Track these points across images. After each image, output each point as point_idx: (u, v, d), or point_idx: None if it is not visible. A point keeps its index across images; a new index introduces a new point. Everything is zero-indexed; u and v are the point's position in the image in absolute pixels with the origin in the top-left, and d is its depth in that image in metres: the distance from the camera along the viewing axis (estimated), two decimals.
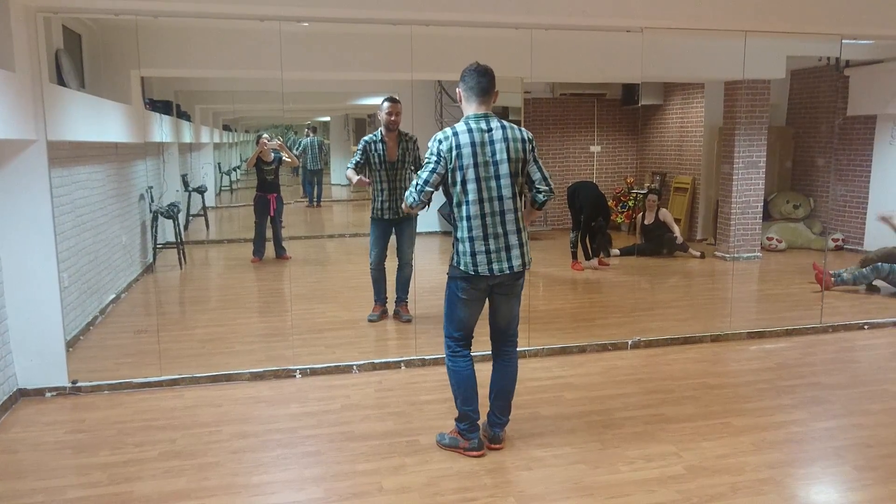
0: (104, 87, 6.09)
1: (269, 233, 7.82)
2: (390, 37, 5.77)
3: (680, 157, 10.12)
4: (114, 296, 6.09)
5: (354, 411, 3.96)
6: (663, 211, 8.67)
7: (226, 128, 11.01)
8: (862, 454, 3.40)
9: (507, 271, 3.19)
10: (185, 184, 8.65)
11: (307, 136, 10.55)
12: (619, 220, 10.25)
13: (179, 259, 7.58)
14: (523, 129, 3.25)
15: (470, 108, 3.22)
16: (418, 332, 5.14)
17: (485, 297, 3.32)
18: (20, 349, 4.13)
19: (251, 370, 4.51)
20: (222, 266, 8.49)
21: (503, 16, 4.47)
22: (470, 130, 3.13)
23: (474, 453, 3.36)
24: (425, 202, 3.21)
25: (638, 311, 5.99)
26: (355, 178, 5.34)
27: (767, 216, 9.07)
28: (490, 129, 3.15)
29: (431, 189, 3.16)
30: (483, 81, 3.19)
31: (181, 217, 7.84)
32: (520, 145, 3.17)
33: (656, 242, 8.57)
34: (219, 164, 10.46)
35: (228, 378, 4.44)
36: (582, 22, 4.70)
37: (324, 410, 3.97)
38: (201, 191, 9.07)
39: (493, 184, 3.14)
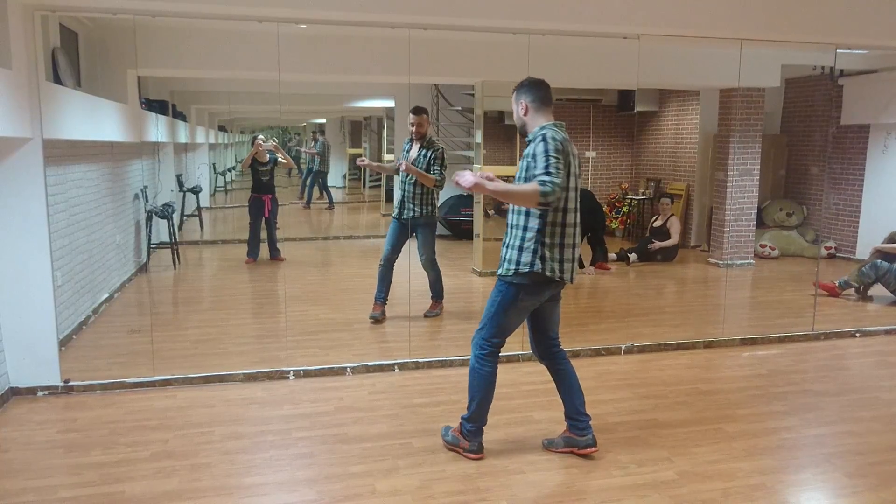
0: (100, 85, 6.08)
1: (263, 234, 7.82)
2: (388, 40, 5.79)
3: (674, 163, 10.16)
4: (107, 295, 6.07)
5: (348, 413, 3.95)
6: (673, 218, 8.69)
7: (221, 128, 11.00)
8: (852, 461, 3.42)
9: (571, 281, 3.28)
10: (180, 184, 8.63)
11: (315, 139, 10.61)
12: (614, 226, 10.28)
13: (173, 259, 7.56)
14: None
15: (543, 118, 3.22)
16: (412, 335, 5.14)
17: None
18: (12, 347, 4.12)
19: (244, 371, 4.50)
20: (216, 267, 8.47)
21: (501, 21, 4.48)
22: (567, 140, 3.16)
23: (473, 455, 3.38)
24: (554, 201, 3.05)
25: (631, 316, 6.01)
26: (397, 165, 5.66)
27: (761, 223, 9.11)
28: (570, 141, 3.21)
29: (561, 186, 3.02)
30: (550, 92, 3.25)
31: (175, 217, 7.83)
32: (574, 160, 3.23)
33: (659, 249, 8.60)
34: (214, 164, 10.45)
35: (221, 379, 4.44)
36: (579, 28, 4.72)
37: (317, 412, 3.96)
38: (196, 191, 9.05)
39: (573, 194, 3.19)
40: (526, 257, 3.16)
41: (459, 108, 9.93)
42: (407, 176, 5.57)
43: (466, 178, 3.09)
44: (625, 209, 10.25)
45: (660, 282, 8.01)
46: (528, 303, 3.27)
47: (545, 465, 3.34)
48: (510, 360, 4.87)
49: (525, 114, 3.26)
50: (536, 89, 3.24)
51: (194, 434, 3.66)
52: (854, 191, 8.90)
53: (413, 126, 5.58)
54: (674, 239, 8.56)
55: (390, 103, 10.66)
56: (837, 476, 3.29)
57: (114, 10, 4.25)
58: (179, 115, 8.60)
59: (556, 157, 3.03)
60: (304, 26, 5.17)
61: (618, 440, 3.61)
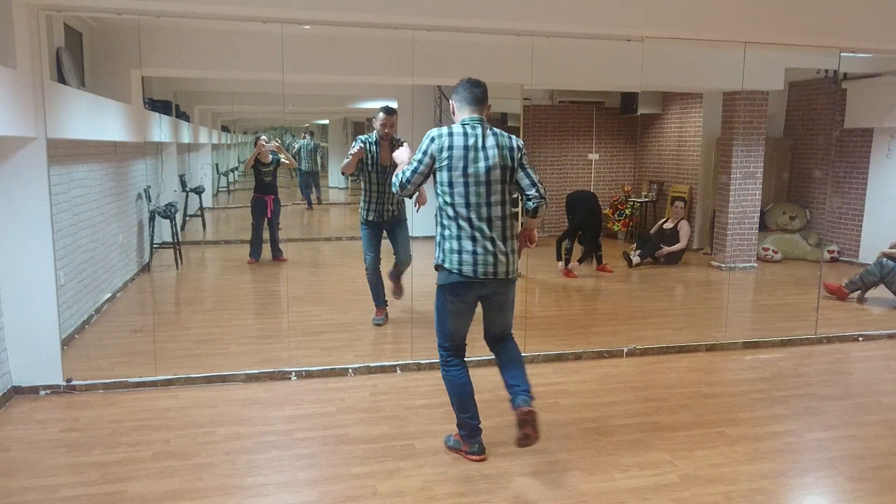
0: (104, 85, 6.09)
1: (266, 234, 7.82)
2: (391, 41, 5.80)
3: (677, 166, 10.16)
4: (109, 295, 6.08)
5: (349, 414, 3.95)
6: (683, 221, 8.68)
7: (224, 129, 11.01)
8: (855, 465, 3.41)
9: (492, 276, 3.18)
10: (183, 184, 8.64)
11: (303, 137, 10.57)
12: (616, 228, 10.28)
13: (176, 259, 7.57)
14: (514, 136, 3.27)
15: (464, 115, 3.24)
16: (414, 337, 5.14)
17: (473, 308, 3.32)
18: (15, 346, 4.12)
19: (246, 371, 4.50)
20: (218, 267, 8.47)
21: (505, 23, 4.48)
22: (465, 134, 3.16)
23: (475, 457, 3.38)
24: (408, 196, 3.30)
25: (634, 319, 6.00)
26: (351, 157, 5.44)
27: (764, 227, 9.10)
28: (484, 135, 3.17)
29: (412, 187, 3.22)
30: (477, 91, 3.23)
31: (178, 217, 7.83)
32: (508, 153, 3.19)
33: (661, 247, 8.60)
34: (216, 164, 10.45)
35: (223, 379, 4.44)
36: (583, 30, 4.72)
37: (319, 413, 3.96)
38: (199, 191, 9.06)
39: (482, 189, 3.14)
40: (437, 251, 3.26)
41: None
42: (381, 177, 5.46)
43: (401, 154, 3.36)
44: (627, 211, 10.24)
45: (662, 285, 8.00)
46: (454, 305, 3.26)
47: (547, 467, 3.34)
48: None
49: (453, 113, 3.31)
50: (462, 88, 3.25)
51: (196, 434, 3.66)
52: (857, 194, 8.89)
53: (385, 128, 5.42)
54: (682, 243, 8.56)
55: (393, 104, 10.67)
56: (840, 480, 3.28)
57: (118, 10, 4.26)
58: (183, 116, 8.61)
59: (417, 155, 3.20)
60: (308, 27, 5.17)
61: (619, 443, 3.61)
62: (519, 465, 3.35)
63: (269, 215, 7.67)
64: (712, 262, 8.67)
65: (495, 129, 3.24)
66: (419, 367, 4.71)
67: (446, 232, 3.21)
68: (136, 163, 7.23)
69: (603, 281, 7.84)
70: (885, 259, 6.59)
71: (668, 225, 8.71)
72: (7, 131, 3.65)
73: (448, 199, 3.17)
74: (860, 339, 5.64)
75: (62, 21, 5.30)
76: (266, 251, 7.85)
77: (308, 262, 8.63)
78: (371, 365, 4.68)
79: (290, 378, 4.50)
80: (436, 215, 3.29)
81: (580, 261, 7.92)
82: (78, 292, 5.23)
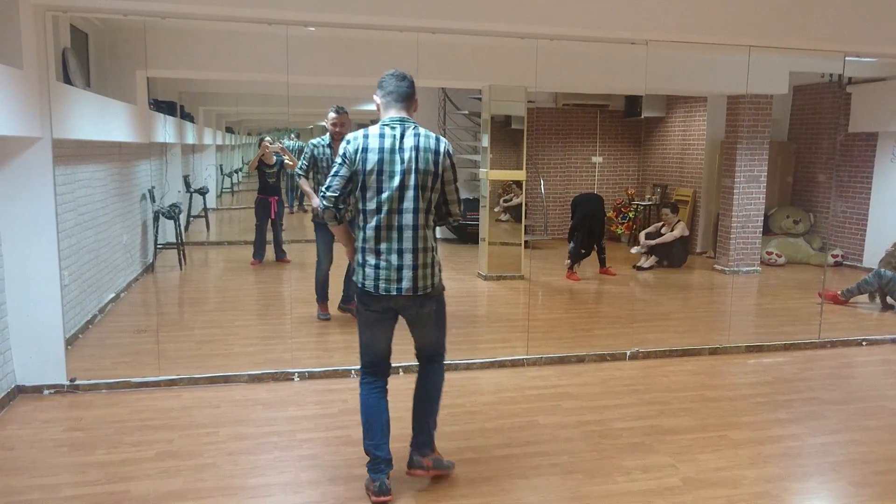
0: (109, 86, 6.10)
1: (269, 235, 7.83)
2: (396, 43, 5.80)
3: (681, 169, 10.15)
4: (113, 295, 6.09)
5: (352, 416, 3.95)
6: (680, 223, 8.67)
7: (228, 130, 11.03)
8: (858, 470, 3.41)
9: (395, 293, 2.90)
10: (187, 185, 8.66)
11: (291, 140, 10.59)
12: (619, 232, 10.27)
13: (179, 260, 7.59)
14: (442, 139, 2.99)
15: (387, 113, 2.99)
16: None
17: (388, 321, 3.03)
18: (19, 346, 4.14)
19: (249, 372, 4.51)
20: (222, 268, 8.49)
21: (510, 25, 4.49)
22: (382, 135, 2.90)
23: (373, 498, 2.98)
24: (335, 210, 2.92)
25: (637, 322, 6.00)
26: (308, 189, 5.45)
27: (767, 231, 9.09)
28: (403, 136, 2.91)
29: (334, 195, 2.90)
30: (402, 86, 3.00)
31: (182, 218, 7.85)
32: (431, 156, 2.91)
33: (667, 253, 8.60)
34: (220, 165, 10.47)
35: (226, 380, 4.45)
36: (588, 33, 4.73)
37: (321, 414, 3.97)
38: (203, 192, 9.08)
39: (395, 195, 2.87)
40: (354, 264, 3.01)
41: (466, 112, 9.95)
42: None
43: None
44: (630, 214, 10.24)
45: (665, 288, 7.99)
46: (367, 316, 3.00)
47: (549, 469, 3.34)
48: (515, 364, 4.88)
49: (378, 110, 3.06)
50: (387, 82, 3.02)
51: (199, 434, 3.66)
52: (861, 199, 8.88)
53: (336, 127, 5.35)
54: (675, 233, 8.52)
55: None
56: (843, 485, 3.27)
57: (124, 11, 4.28)
58: (187, 117, 8.63)
59: (336, 162, 2.93)
60: (313, 29, 5.18)
61: (622, 446, 3.60)
62: (521, 467, 3.35)
63: (272, 216, 7.68)
64: (715, 266, 8.66)
65: (421, 129, 2.96)
66: None
67: (357, 244, 2.97)
68: (141, 163, 7.25)
69: (606, 284, 7.83)
70: (882, 269, 6.58)
71: (665, 229, 8.68)
72: (13, 131, 3.66)
73: (361, 205, 2.91)
74: (864, 343, 5.62)
75: (68, 22, 5.33)
76: (269, 252, 7.87)
77: (311, 263, 8.63)
78: None
79: (292, 379, 4.51)
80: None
81: (572, 263, 7.86)
82: (82, 292, 5.24)
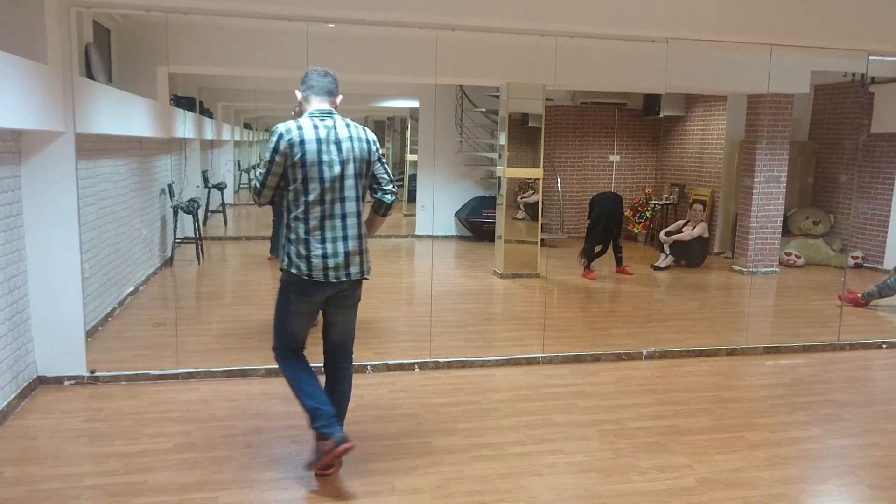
0: (131, 81, 6.17)
1: None
2: (415, 40, 5.81)
3: (700, 169, 10.08)
4: (132, 288, 6.16)
5: (367, 411, 3.97)
6: (702, 224, 8.62)
7: (246, 126, 11.11)
8: (877, 474, 3.37)
9: (345, 279, 3.00)
10: (206, 180, 8.73)
11: None
12: (636, 231, 10.22)
13: (198, 254, 7.65)
14: (367, 129, 3.09)
15: (311, 106, 3.04)
16: (433, 335, 5.15)
17: (315, 312, 3.14)
18: (41, 337, 4.19)
19: (266, 366, 4.54)
20: (239, 262, 8.55)
21: (530, 22, 4.48)
22: (316, 126, 2.95)
23: (343, 446, 3.04)
24: (265, 203, 3.05)
25: (653, 322, 5.97)
26: None
27: (787, 231, 9.01)
28: (335, 126, 2.99)
29: (268, 191, 2.99)
30: (325, 81, 3.05)
31: (200, 213, 7.92)
32: (365, 145, 3.03)
33: (685, 253, 8.55)
34: (238, 161, 10.55)
35: (244, 373, 4.48)
36: (608, 31, 4.70)
37: None
38: (221, 187, 9.15)
39: (337, 184, 2.95)
40: (281, 255, 3.04)
41: (484, 110, 9.94)
42: None
43: None
44: (648, 214, 10.18)
45: (682, 288, 7.94)
46: (300, 305, 3.07)
47: (564, 468, 3.33)
48: (530, 362, 4.87)
49: (300, 105, 3.10)
50: (309, 77, 3.06)
51: (216, 427, 3.70)
52: (883, 200, 8.76)
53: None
54: (696, 232, 8.47)
55: (414, 104, 10.71)
56: (861, 488, 3.24)
57: (147, 7, 4.31)
58: (206, 112, 8.69)
59: (267, 155, 2.96)
60: (333, 25, 5.20)
61: (638, 446, 3.59)
62: (536, 465, 3.35)
63: None
64: (734, 267, 8.60)
65: (348, 120, 3.06)
66: (437, 366, 4.72)
67: (292, 235, 2.98)
68: (161, 158, 7.32)
69: (622, 283, 7.80)
70: None
71: (687, 228, 8.64)
72: (38, 125, 3.71)
73: (299, 196, 2.94)
74: (884, 346, 5.56)
75: (91, 18, 5.39)
76: None
77: None
78: (389, 362, 4.70)
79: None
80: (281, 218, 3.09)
81: (588, 261, 7.83)
82: (102, 285, 5.31)
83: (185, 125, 7.55)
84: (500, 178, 7.83)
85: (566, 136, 10.77)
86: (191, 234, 7.66)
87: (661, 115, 10.50)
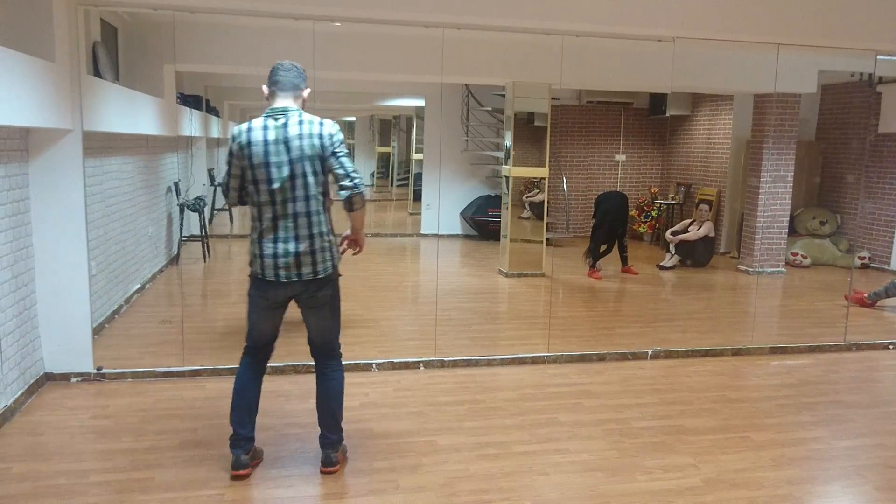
0: (138, 80, 6.19)
1: None
2: (421, 39, 5.81)
3: (706, 168, 10.06)
4: (139, 286, 6.18)
5: (372, 409, 3.98)
6: (709, 223, 8.60)
7: None
8: (883, 475, 3.36)
9: (295, 279, 2.99)
10: (212, 178, 8.74)
11: None
12: (642, 230, 10.21)
13: (203, 252, 7.67)
14: (326, 122, 3.00)
15: (273, 103, 3.03)
16: (439, 334, 5.15)
17: (279, 308, 3.12)
18: (48, 334, 4.21)
19: (272, 364, 4.49)
20: (245, 261, 8.53)
21: (537, 21, 4.48)
22: (265, 127, 2.95)
23: (232, 472, 3.11)
24: (240, 203, 3.07)
25: (659, 321, 5.97)
26: None
27: (793, 231, 8.98)
28: (286, 125, 2.94)
29: (233, 192, 3.03)
30: (288, 76, 3.02)
31: (206, 211, 7.93)
32: (317, 141, 2.94)
33: (691, 253, 8.53)
34: None
35: None
36: (614, 30, 4.70)
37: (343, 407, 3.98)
38: None
39: (287, 184, 2.92)
40: (250, 252, 3.08)
41: (489, 109, 9.94)
42: None
43: None
44: (654, 213, 10.17)
45: (688, 288, 7.93)
46: (259, 300, 3.09)
47: (569, 467, 3.33)
48: (536, 361, 4.87)
49: (266, 100, 3.08)
50: (273, 72, 3.05)
51: (222, 424, 3.69)
52: (890, 200, 8.73)
53: None
54: (702, 231, 8.45)
55: (420, 103, 10.72)
56: (867, 489, 3.23)
57: (154, 6, 4.33)
58: (212, 111, 8.71)
59: (227, 161, 3.00)
60: (339, 24, 5.21)
61: (643, 445, 3.59)
62: (541, 464, 3.35)
63: None
64: (739, 267, 8.57)
65: (305, 115, 2.99)
66: (443, 364, 4.73)
67: (254, 234, 3.02)
68: (167, 156, 7.34)
69: (628, 283, 7.79)
70: None
71: (693, 228, 8.62)
72: (45, 123, 3.73)
73: (254, 198, 2.97)
74: (890, 346, 5.54)
75: (98, 16, 5.40)
76: None
77: None
78: (395, 361, 4.71)
79: (314, 372, 4.53)
80: None
81: (594, 260, 7.82)
82: (108, 282, 5.33)
83: (191, 123, 7.57)
84: (505, 177, 7.83)
85: (572, 135, 10.75)
86: (197, 232, 7.67)
87: (668, 114, 10.47)
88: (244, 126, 2.98)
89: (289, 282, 3.01)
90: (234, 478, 3.11)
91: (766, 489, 3.17)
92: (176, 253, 7.49)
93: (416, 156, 11.97)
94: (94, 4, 4.26)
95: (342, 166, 2.97)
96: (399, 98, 11.00)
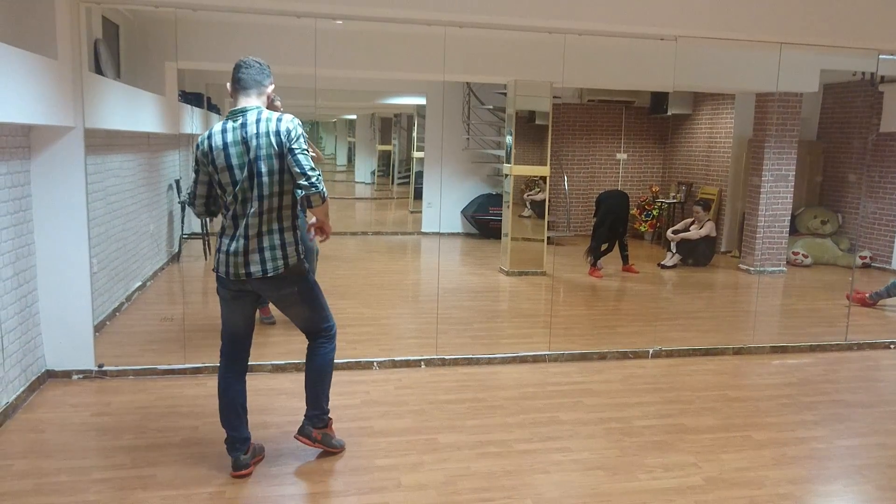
0: (139, 77, 6.19)
1: None
2: (423, 37, 5.82)
3: (707, 167, 10.05)
4: (140, 283, 6.19)
5: (374, 407, 3.98)
6: (709, 223, 8.59)
7: None
8: (884, 474, 3.36)
9: (244, 277, 2.97)
10: None
11: None
12: (643, 229, 10.20)
13: (204, 250, 7.67)
14: (284, 118, 2.94)
15: (236, 103, 3.02)
16: (440, 332, 5.16)
17: (242, 303, 3.12)
18: (49, 331, 4.21)
19: (273, 362, 4.56)
20: None
21: (538, 20, 4.47)
22: (224, 130, 2.95)
23: (232, 473, 3.13)
24: (208, 214, 3.11)
25: (659, 320, 5.96)
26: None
27: (794, 231, 8.97)
28: (245, 124, 2.93)
29: (199, 200, 3.06)
30: (248, 73, 3.00)
31: None
32: (273, 139, 2.89)
33: (692, 252, 8.53)
34: None
35: (250, 369, 4.40)
36: (616, 28, 4.70)
37: (343, 405, 3.99)
38: None
39: (246, 184, 2.92)
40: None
41: (490, 107, 9.94)
42: None
43: None
44: (654, 212, 10.16)
45: (689, 287, 7.93)
46: (222, 292, 3.10)
47: (570, 466, 3.34)
48: (536, 360, 4.87)
49: (230, 97, 3.06)
50: (234, 70, 3.03)
51: None
52: (892, 200, 8.72)
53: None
54: (703, 231, 8.44)
55: (422, 101, 10.71)
56: (868, 488, 3.23)
57: (156, 3, 4.33)
58: (214, 108, 8.71)
59: (194, 169, 3.02)
60: (341, 22, 5.21)
61: (644, 444, 3.59)
62: (542, 462, 3.35)
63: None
64: (740, 266, 8.57)
65: (264, 113, 2.96)
66: (444, 363, 4.73)
67: (220, 232, 3.06)
68: (169, 154, 7.34)
69: (629, 282, 7.79)
70: None
71: (694, 227, 8.61)
72: (47, 120, 3.73)
73: (223, 200, 3.01)
74: (891, 346, 5.54)
75: (100, 13, 5.40)
76: None
77: (333, 255, 8.69)
78: (396, 359, 4.71)
79: None
80: None
81: (594, 259, 7.83)
82: (110, 280, 5.33)
83: (192, 121, 7.57)
84: (506, 175, 7.82)
85: (573, 133, 10.74)
86: (198, 229, 7.68)
87: (669, 113, 10.46)
88: (206, 133, 3.00)
89: (237, 280, 3.00)
90: (236, 477, 3.12)
91: (767, 488, 3.17)
92: (177, 250, 7.50)
93: (417, 154, 11.97)
94: (95, 2, 4.25)
95: (298, 164, 2.89)
96: (400, 96, 11.00)
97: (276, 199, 2.96)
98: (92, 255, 4.36)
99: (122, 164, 5.73)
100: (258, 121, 2.94)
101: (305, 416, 3.33)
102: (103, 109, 4.66)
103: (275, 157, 2.91)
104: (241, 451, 3.15)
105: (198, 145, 3.00)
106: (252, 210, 2.93)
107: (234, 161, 2.92)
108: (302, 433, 3.31)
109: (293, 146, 2.91)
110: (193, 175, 3.04)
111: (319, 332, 3.27)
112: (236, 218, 2.98)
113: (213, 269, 3.08)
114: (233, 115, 2.98)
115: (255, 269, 2.97)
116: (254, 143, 2.91)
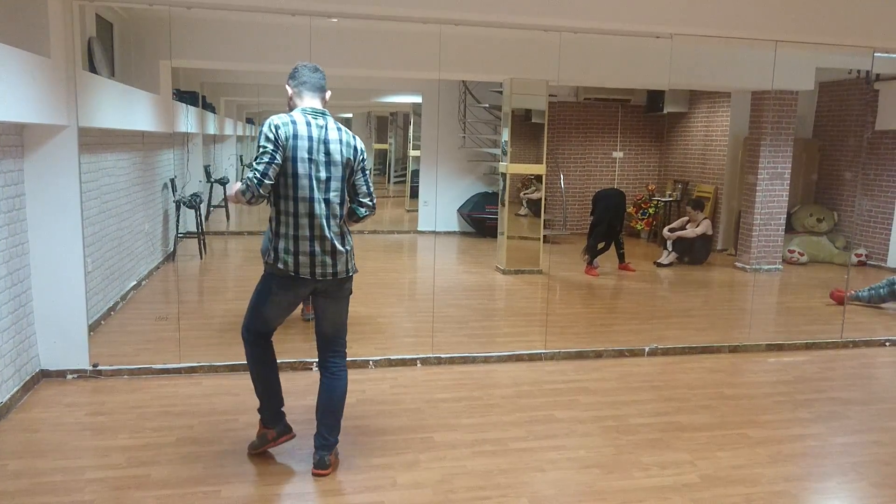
0: (133, 76, 6.17)
1: None
2: (418, 35, 5.81)
3: (703, 165, 10.06)
4: (135, 282, 6.17)
5: (370, 406, 3.98)
6: (706, 221, 8.60)
7: (248, 121, 11.10)
8: (879, 471, 3.37)
9: (331, 277, 3.05)
10: (208, 175, 8.72)
11: None
12: (639, 227, 10.21)
13: (200, 249, 7.65)
14: (356, 136, 3.08)
15: (302, 103, 3.03)
16: (436, 331, 5.15)
17: (296, 302, 3.21)
18: (44, 330, 4.20)
19: None
20: (241, 257, 8.55)
21: (534, 18, 4.47)
22: (309, 124, 2.94)
23: (284, 437, 3.27)
24: (265, 196, 2.93)
25: (655, 318, 5.97)
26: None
27: (790, 229, 8.99)
28: (326, 128, 2.98)
29: (271, 182, 2.88)
30: (315, 77, 3.05)
31: (203, 207, 7.91)
32: (352, 151, 3.02)
33: (688, 250, 8.53)
34: (241, 156, 10.54)
35: (246, 368, 4.45)
36: (612, 26, 4.69)
37: None
38: (223, 182, 9.14)
39: (323, 185, 2.96)
40: (267, 247, 3.03)
41: (487, 106, 9.93)
42: None
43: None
44: (651, 211, 10.17)
45: (685, 285, 7.94)
46: (280, 297, 3.10)
47: (566, 464, 3.33)
48: (533, 358, 4.87)
49: (290, 100, 3.08)
50: (300, 73, 3.04)
51: (219, 421, 3.70)
52: (887, 197, 8.74)
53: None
54: (700, 229, 8.44)
55: (417, 99, 10.70)
56: (864, 486, 3.24)
57: (150, 1, 4.31)
58: (209, 107, 8.68)
59: (263, 147, 2.87)
60: (336, 20, 5.19)
61: (640, 442, 3.59)
62: (538, 461, 3.35)
63: None
64: (736, 264, 8.58)
65: (338, 123, 3.04)
66: (440, 361, 4.73)
67: (281, 229, 2.97)
68: (163, 153, 7.32)
69: (625, 280, 7.79)
70: (894, 278, 6.50)
71: (691, 225, 8.61)
72: (41, 119, 3.71)
73: (287, 192, 2.93)
74: (887, 343, 5.55)
75: (94, 12, 5.38)
76: None
77: None
78: (392, 358, 4.70)
79: (311, 369, 4.53)
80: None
81: (590, 258, 7.83)
82: (104, 279, 5.31)
83: (187, 120, 7.55)
84: (502, 173, 7.82)
85: (569, 132, 10.75)
86: (193, 228, 7.66)
87: (665, 111, 10.47)
88: (286, 117, 2.93)
89: (322, 279, 3.04)
90: (283, 441, 3.31)
91: (763, 486, 3.18)
92: (172, 250, 7.48)
93: (413, 153, 11.96)
94: (89, 0, 4.23)
95: (367, 185, 3.12)
96: (396, 95, 10.98)
97: (344, 206, 3.09)
98: (86, 255, 4.34)
99: (117, 162, 5.70)
100: (339, 129, 3.03)
101: (319, 446, 3.18)
102: (97, 108, 4.64)
103: (347, 168, 3.03)
104: (284, 420, 3.30)
105: (279, 126, 2.88)
106: (334, 212, 3.02)
107: (315, 156, 2.94)
108: (321, 467, 3.16)
109: (364, 166, 3.09)
110: (266, 155, 2.85)
111: (339, 340, 3.27)
112: (312, 217, 2.96)
113: (284, 270, 2.98)
114: (313, 112, 3.00)
115: (341, 268, 3.09)
116: (334, 147, 2.98)
